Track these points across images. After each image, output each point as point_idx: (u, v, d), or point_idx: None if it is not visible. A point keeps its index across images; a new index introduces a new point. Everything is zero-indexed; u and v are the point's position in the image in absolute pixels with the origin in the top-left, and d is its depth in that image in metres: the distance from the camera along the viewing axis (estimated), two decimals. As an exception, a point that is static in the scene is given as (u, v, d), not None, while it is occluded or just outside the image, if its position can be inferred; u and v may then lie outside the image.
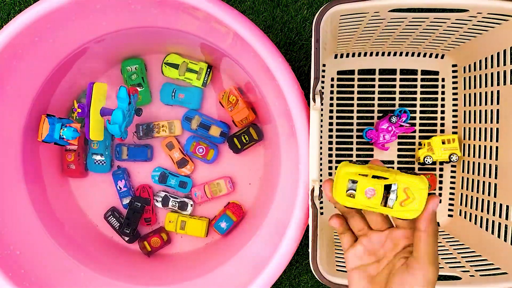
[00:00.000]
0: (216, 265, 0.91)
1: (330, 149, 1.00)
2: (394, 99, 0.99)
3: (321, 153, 0.99)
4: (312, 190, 0.71)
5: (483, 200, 0.88)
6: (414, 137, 0.99)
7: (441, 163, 0.99)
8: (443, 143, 0.95)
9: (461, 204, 0.96)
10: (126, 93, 0.86)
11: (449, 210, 0.99)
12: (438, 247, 0.50)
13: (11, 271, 0.78)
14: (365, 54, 0.98)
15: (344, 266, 0.79)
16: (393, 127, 0.96)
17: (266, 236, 0.88)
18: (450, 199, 0.99)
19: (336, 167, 1.00)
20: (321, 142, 0.98)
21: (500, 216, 0.83)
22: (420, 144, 0.99)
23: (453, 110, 0.98)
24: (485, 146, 0.89)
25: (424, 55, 0.97)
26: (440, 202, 0.99)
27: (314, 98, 0.69)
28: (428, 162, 0.95)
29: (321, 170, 0.99)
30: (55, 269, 0.88)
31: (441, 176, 0.99)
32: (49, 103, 0.94)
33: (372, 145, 0.99)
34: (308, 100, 0.72)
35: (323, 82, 0.98)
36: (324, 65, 0.98)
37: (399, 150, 1.00)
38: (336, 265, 0.79)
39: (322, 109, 0.98)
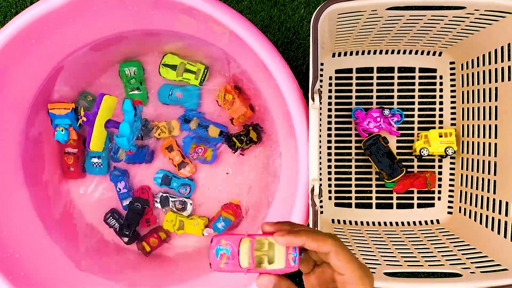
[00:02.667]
0: None
1: (329, 147, 1.00)
2: (392, 97, 0.99)
3: (320, 152, 0.99)
4: (312, 189, 0.71)
5: (482, 196, 0.89)
6: (413, 135, 1.00)
7: (440, 160, 0.99)
8: (440, 136, 0.95)
9: (460, 201, 0.96)
10: (131, 106, 0.86)
11: (449, 207, 0.99)
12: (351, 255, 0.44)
13: (11, 274, 0.78)
14: (363, 53, 0.98)
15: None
16: (382, 120, 0.96)
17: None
18: (450, 196, 0.99)
19: (335, 166, 1.00)
20: (320, 141, 0.98)
21: (499, 212, 0.83)
22: (418, 136, 0.99)
23: (451, 107, 0.98)
24: (483, 143, 0.89)
25: (422, 53, 0.97)
26: (440, 199, 0.99)
27: (313, 97, 0.69)
28: (424, 154, 0.95)
29: (320, 169, 0.99)
30: (55, 271, 0.88)
31: (440, 173, 0.99)
32: (47, 106, 0.93)
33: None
34: (307, 99, 0.72)
35: (321, 81, 0.98)
36: (322, 64, 0.98)
37: (398, 142, 1.00)
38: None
39: (320, 108, 0.98)
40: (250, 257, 0.45)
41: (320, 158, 0.99)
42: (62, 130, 0.90)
